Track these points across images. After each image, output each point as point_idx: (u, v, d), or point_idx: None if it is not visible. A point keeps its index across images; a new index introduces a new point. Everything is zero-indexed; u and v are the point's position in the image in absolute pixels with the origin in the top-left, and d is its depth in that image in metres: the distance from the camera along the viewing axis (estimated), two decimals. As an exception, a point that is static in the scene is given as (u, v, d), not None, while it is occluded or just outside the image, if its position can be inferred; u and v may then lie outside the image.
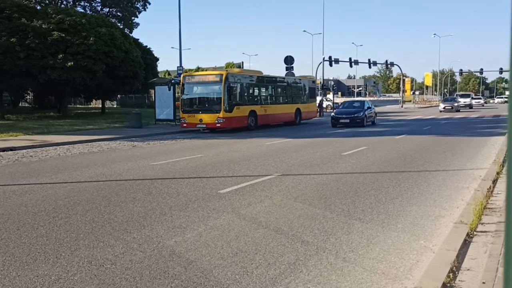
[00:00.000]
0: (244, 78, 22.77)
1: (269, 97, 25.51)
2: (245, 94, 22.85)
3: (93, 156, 13.19)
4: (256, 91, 24.23)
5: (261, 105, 23.92)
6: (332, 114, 25.49)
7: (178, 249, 4.75)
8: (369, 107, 25.67)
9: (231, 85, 21.14)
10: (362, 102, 26.80)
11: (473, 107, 52.16)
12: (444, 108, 42.60)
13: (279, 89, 26.61)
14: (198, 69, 65.88)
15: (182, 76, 22.90)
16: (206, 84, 21.74)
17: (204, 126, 21.34)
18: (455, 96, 55.65)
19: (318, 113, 39.70)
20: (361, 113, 24.05)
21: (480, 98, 65.13)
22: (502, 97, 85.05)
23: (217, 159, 11.80)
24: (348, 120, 23.65)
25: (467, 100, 50.96)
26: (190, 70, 57.05)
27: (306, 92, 29.13)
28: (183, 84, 22.06)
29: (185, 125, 21.85)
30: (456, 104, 42.91)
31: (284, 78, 27.50)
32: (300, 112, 27.41)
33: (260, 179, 8.77)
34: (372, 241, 5.00)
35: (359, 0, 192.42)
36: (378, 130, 21.91)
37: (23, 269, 4.24)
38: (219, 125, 20.90)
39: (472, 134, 18.74)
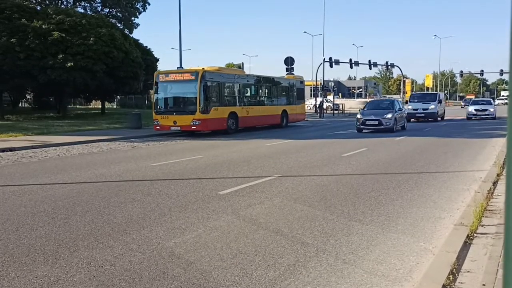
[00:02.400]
0: (223, 77, 21.30)
1: (252, 98, 24.17)
2: (225, 94, 21.41)
3: (93, 156, 13.18)
4: (237, 91, 22.62)
5: (242, 107, 22.47)
6: None
7: (178, 250, 4.74)
8: None
9: (208, 84, 19.70)
10: None
11: (471, 120, 30.82)
12: (363, 124, 20.98)
13: (264, 90, 25.29)
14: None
15: (155, 74, 21.55)
16: (180, 83, 20.11)
17: (179, 128, 19.93)
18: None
19: (318, 114, 39.78)
20: None
21: (489, 104, 33.80)
22: (502, 98, 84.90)
23: (216, 160, 11.79)
24: None
25: (430, 107, 29.55)
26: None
27: (294, 93, 27.72)
28: (156, 83, 20.59)
29: (158, 127, 20.31)
30: (389, 116, 20.64)
31: (269, 77, 26.00)
32: (287, 114, 26.15)
33: (260, 180, 8.76)
34: (372, 243, 4.99)
35: (360, 2, 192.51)
36: (378, 131, 21.90)
37: (22, 270, 4.23)
38: (194, 127, 19.55)
39: (472, 136, 18.73)
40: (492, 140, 16.50)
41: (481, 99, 41.89)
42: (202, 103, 19.38)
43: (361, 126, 21.01)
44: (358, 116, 21.54)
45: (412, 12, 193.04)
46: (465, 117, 32.60)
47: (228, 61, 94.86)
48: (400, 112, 21.94)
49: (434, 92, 48.77)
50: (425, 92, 56.27)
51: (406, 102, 31.23)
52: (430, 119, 29.82)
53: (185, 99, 20.45)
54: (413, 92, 45.18)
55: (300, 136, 19.88)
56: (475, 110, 32.04)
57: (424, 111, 29.77)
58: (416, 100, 31.38)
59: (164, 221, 5.85)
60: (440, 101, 31.17)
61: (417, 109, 29.84)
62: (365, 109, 22.61)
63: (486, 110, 31.79)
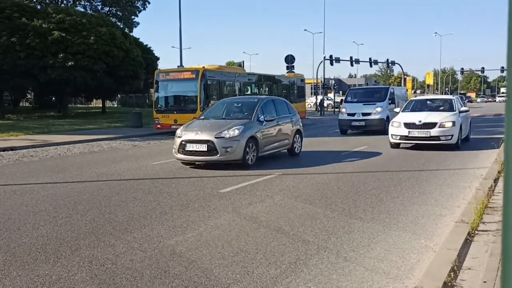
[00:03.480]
0: (224, 75, 21.36)
1: None
2: (225, 92, 21.30)
3: (94, 155, 13.19)
4: (238, 89, 22.68)
5: None
6: None
7: (179, 249, 4.75)
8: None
9: (209, 82, 19.76)
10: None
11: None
12: (182, 150, 10.17)
13: (264, 88, 25.41)
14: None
15: (156, 73, 21.50)
16: (181, 82, 20.11)
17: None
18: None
19: (319, 112, 39.76)
20: None
21: (448, 108, 14.15)
22: (502, 96, 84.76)
23: (217, 159, 11.77)
24: None
25: (374, 111, 18.74)
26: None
27: (295, 91, 27.77)
28: (157, 82, 20.57)
29: (158, 126, 20.23)
30: (233, 135, 9.95)
31: (269, 76, 26.04)
32: None
33: (260, 178, 8.76)
34: (373, 240, 4.99)
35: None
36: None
37: (23, 269, 4.23)
38: None
39: (473, 133, 18.67)
40: (492, 137, 16.47)
41: (429, 97, 18.13)
42: (203, 102, 19.39)
43: (180, 156, 10.26)
44: (178, 132, 10.67)
45: (412, 10, 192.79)
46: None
47: (228, 59, 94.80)
48: (270, 123, 11.17)
49: (383, 86, 29.61)
50: (370, 86, 37.35)
51: (341, 102, 22.07)
52: (374, 130, 18.22)
53: (186, 98, 20.47)
54: (352, 87, 27.64)
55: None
56: (407, 125, 13.21)
57: (365, 118, 18.61)
58: (355, 100, 20.01)
59: (165, 220, 5.86)
60: (392, 101, 19.42)
61: (353, 114, 18.86)
62: (201, 117, 11.83)
63: (433, 126, 12.92)
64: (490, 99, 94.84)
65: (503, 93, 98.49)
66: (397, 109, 15.43)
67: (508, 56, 1.12)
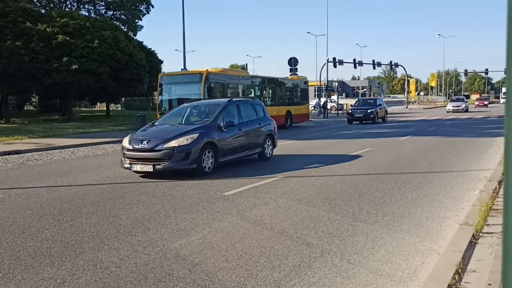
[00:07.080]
0: (227, 78, 21.38)
1: (256, 98, 24.49)
2: (229, 95, 21.17)
3: (98, 159, 13.23)
4: (242, 92, 22.61)
5: None
6: None
7: (183, 252, 4.75)
8: None
9: (212, 85, 19.71)
10: None
11: None
12: None
13: (268, 90, 25.32)
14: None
15: (159, 76, 21.58)
16: (184, 85, 20.18)
17: None
18: None
19: (322, 115, 39.71)
20: None
21: None
22: (503, 97, 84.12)
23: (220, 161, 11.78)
24: None
25: None
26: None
27: (298, 94, 27.74)
28: (160, 85, 20.65)
29: None
30: None
31: (273, 78, 25.91)
32: (291, 115, 26.05)
33: (264, 181, 8.76)
34: (377, 243, 4.98)
35: (363, 1, 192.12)
36: (383, 131, 21.87)
37: (28, 272, 4.25)
38: None
39: (477, 135, 18.65)
40: (496, 139, 16.41)
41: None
42: None
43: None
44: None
45: (416, 12, 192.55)
46: None
47: (232, 62, 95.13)
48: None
49: None
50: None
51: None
52: None
53: (189, 101, 20.50)
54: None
55: (304, 137, 19.86)
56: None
57: None
58: None
59: (169, 223, 5.87)
60: None
61: None
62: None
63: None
64: (479, 103, 60.41)
65: (504, 93, 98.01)
66: None
67: (507, 58, 1.12)
